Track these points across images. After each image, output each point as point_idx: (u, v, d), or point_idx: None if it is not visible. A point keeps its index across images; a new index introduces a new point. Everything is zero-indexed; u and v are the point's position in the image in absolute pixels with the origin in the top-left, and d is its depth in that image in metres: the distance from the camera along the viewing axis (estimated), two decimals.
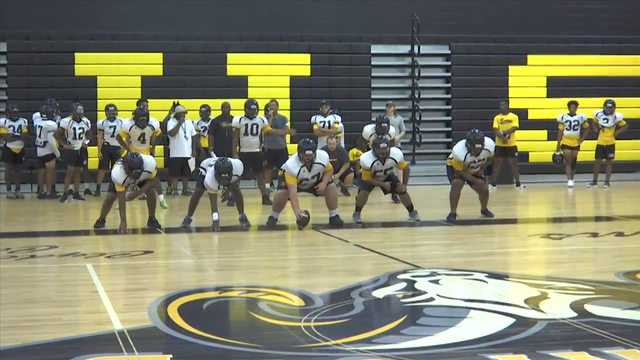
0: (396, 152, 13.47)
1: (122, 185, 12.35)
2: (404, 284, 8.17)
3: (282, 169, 13.05)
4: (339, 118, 19.13)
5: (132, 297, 7.92)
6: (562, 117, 20.27)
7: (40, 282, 8.94)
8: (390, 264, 9.46)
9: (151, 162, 12.61)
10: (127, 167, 12.17)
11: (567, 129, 20.20)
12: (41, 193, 18.67)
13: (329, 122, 18.72)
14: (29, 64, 21.74)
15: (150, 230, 12.67)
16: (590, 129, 20.16)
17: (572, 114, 20.22)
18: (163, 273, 9.61)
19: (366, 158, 13.38)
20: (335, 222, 12.93)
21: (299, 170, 12.69)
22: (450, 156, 13.64)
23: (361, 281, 8.33)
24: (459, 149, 13.26)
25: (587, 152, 20.40)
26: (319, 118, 18.78)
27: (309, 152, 12.63)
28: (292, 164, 12.76)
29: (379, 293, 7.78)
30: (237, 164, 12.73)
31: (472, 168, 13.36)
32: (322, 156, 12.92)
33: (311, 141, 13.04)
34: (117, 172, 12.33)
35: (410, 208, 13.53)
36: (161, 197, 15.45)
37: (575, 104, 20.32)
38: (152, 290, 8.22)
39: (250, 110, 16.34)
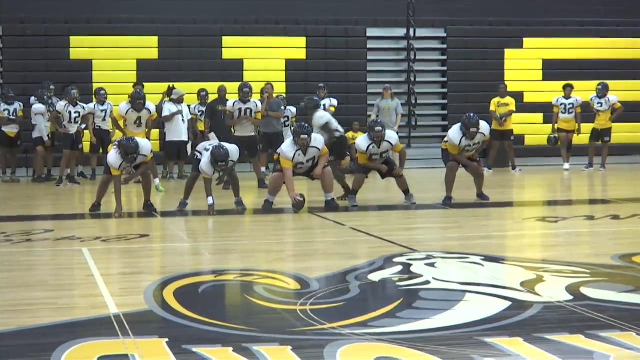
0: (392, 135, 13.47)
1: (118, 170, 12.33)
2: (400, 267, 8.17)
3: (277, 153, 13.03)
4: (335, 102, 19.11)
5: (128, 280, 7.91)
6: (558, 100, 20.28)
7: (35, 266, 8.93)
8: (386, 247, 9.46)
9: (147, 145, 12.58)
10: (123, 152, 12.14)
11: (562, 112, 20.20)
12: (35, 177, 18.66)
13: (324, 105, 18.70)
14: (24, 47, 21.70)
15: (146, 214, 12.65)
16: (582, 112, 20.17)
17: (567, 97, 20.22)
18: (159, 257, 9.60)
19: (362, 141, 13.36)
20: (331, 206, 12.92)
21: (294, 154, 12.67)
22: (446, 139, 13.63)
23: (357, 264, 8.33)
24: (454, 132, 13.24)
25: (583, 135, 20.40)
26: None
27: (304, 136, 12.60)
28: (287, 148, 12.74)
29: (375, 276, 7.77)
30: (233, 150, 12.69)
31: (468, 152, 13.35)
32: (317, 140, 12.89)
33: (307, 125, 13.02)
34: (113, 156, 12.29)
35: (406, 192, 13.53)
36: (157, 180, 15.45)
37: (571, 87, 20.32)
38: (148, 274, 8.21)
39: (244, 93, 16.31)
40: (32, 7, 21.83)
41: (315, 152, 12.80)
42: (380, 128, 13.17)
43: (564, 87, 20.37)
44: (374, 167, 13.50)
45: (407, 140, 22.11)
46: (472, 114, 13.27)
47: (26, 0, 21.85)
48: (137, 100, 15.83)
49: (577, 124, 20.21)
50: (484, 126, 13.30)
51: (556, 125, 20.26)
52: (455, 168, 13.48)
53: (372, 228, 11.08)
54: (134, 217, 12.60)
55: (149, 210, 12.77)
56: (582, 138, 20.38)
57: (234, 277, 7.93)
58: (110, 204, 12.66)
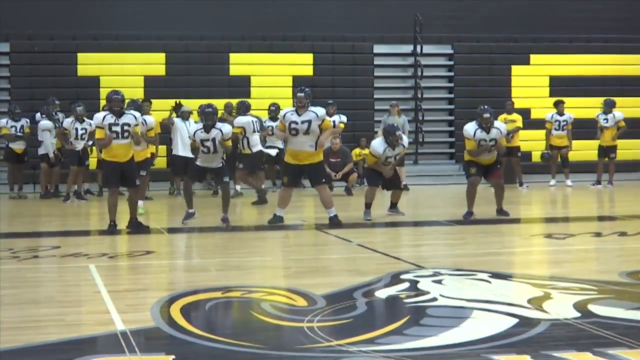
0: (405, 139, 14.02)
1: (102, 127, 12.27)
2: (407, 284, 8.15)
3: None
4: (344, 118, 19.14)
5: (135, 297, 7.90)
6: (552, 117, 20.27)
7: (42, 282, 8.93)
8: (393, 264, 9.45)
9: (149, 118, 13.00)
10: (108, 107, 12.34)
11: (555, 129, 20.19)
12: (42, 193, 18.66)
13: (334, 122, 18.69)
14: (31, 64, 21.76)
15: (152, 230, 12.64)
16: (587, 129, 20.18)
17: (560, 113, 20.22)
18: (165, 273, 9.58)
19: (378, 145, 13.49)
20: (334, 222, 12.91)
21: (286, 113, 12.93)
22: (468, 148, 13.60)
23: (364, 281, 8.31)
24: (469, 125, 13.41)
25: (583, 151, 20.39)
26: None
27: (300, 94, 12.87)
28: (284, 111, 13.09)
29: (382, 293, 7.76)
30: (227, 127, 13.07)
31: (485, 150, 13.32)
32: (319, 108, 13.06)
33: (305, 88, 13.17)
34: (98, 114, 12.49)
35: (395, 204, 13.72)
36: (140, 202, 14.53)
37: (562, 102, 20.32)
38: (154, 291, 8.20)
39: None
40: (39, 23, 21.92)
41: (313, 117, 12.83)
42: (400, 132, 13.57)
43: (556, 104, 20.38)
44: (383, 170, 13.55)
45: (414, 156, 22.11)
46: (485, 105, 13.52)
47: (34, 17, 21.95)
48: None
49: (569, 140, 20.23)
50: (499, 123, 13.47)
51: (549, 142, 20.27)
52: (476, 182, 13.52)
53: (379, 244, 11.07)
54: (141, 234, 12.54)
55: (135, 228, 12.53)
56: (581, 154, 20.34)
57: (241, 294, 7.92)
58: (124, 221, 12.66)
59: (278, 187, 17.87)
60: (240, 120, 16.63)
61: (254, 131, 16.60)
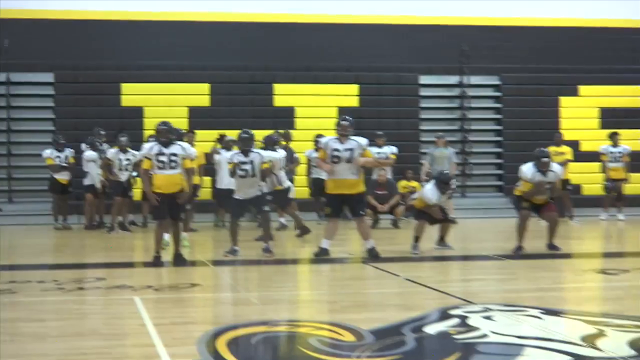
0: (454, 182, 13.93)
1: (149, 158, 12.41)
2: (456, 320, 8.09)
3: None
4: (394, 149, 19.10)
5: (180, 330, 7.90)
6: (606, 149, 20.11)
7: (88, 314, 8.98)
8: (442, 299, 9.39)
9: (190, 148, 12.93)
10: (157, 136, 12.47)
11: (610, 161, 20.02)
12: (87, 225, 18.76)
13: (384, 154, 18.71)
14: (76, 94, 21.99)
15: (197, 262, 12.67)
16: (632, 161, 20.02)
17: (615, 145, 20.05)
18: (211, 306, 9.60)
19: (430, 193, 13.52)
20: (372, 254, 12.88)
21: (329, 141, 12.96)
22: (517, 183, 13.57)
23: (412, 316, 8.26)
24: (526, 167, 13.37)
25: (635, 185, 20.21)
26: (374, 149, 18.72)
27: (343, 122, 12.98)
28: (326, 139, 13.13)
29: (431, 329, 7.72)
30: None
31: (541, 192, 13.29)
32: (361, 138, 13.10)
33: (348, 117, 13.33)
34: (146, 145, 12.61)
35: (443, 238, 13.77)
36: (185, 234, 14.54)
37: (617, 134, 20.15)
38: (200, 324, 8.22)
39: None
40: (84, 54, 22.19)
41: (355, 145, 12.91)
42: (454, 180, 13.53)
43: (610, 136, 20.22)
44: (432, 212, 13.53)
45: (461, 189, 22.03)
46: (543, 148, 13.50)
47: (78, 48, 22.23)
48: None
49: (626, 173, 20.03)
50: (555, 166, 13.42)
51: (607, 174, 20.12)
52: (527, 216, 13.46)
53: (427, 279, 11.00)
54: (185, 266, 12.55)
55: (179, 262, 12.54)
56: (633, 187, 20.14)
57: (287, 328, 7.91)
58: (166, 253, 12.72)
59: (322, 218, 17.88)
60: (271, 155, 16.45)
61: (281, 168, 16.44)
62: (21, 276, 10.59)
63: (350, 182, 12.88)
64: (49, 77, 22.21)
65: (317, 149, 18.36)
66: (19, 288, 10.18)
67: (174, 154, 12.42)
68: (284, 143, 18.10)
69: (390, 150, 19.05)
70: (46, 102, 22.20)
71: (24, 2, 22.16)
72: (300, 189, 19.04)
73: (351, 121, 13.07)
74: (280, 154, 16.34)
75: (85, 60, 22.20)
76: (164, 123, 12.67)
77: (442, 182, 13.53)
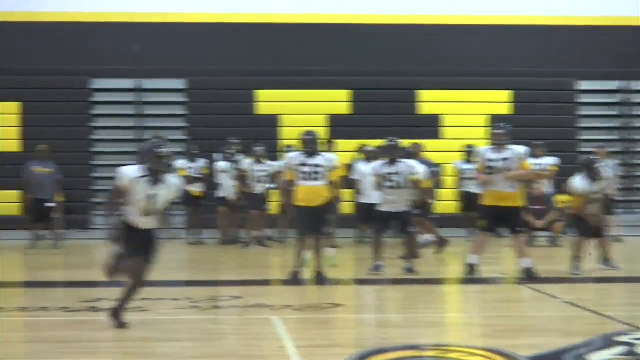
0: (609, 171, 13.84)
1: (292, 168, 12.61)
2: (622, 348, 7.96)
3: None
4: (556, 160, 18.74)
5: (323, 354, 7.98)
6: None
7: (225, 335, 9.14)
8: (606, 324, 9.26)
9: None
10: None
11: None
12: (221, 239, 18.98)
13: (542, 165, 18.39)
14: (208, 101, 22.32)
15: (339, 281, 12.73)
16: None
17: None
18: (354, 328, 9.66)
19: (579, 182, 13.33)
20: (529, 274, 12.74)
21: (485, 152, 13.00)
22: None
23: (574, 343, 8.16)
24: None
25: None
26: (531, 160, 18.42)
27: (498, 131, 12.99)
28: (483, 149, 13.18)
29: (595, 357, 7.61)
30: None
31: None
32: (519, 147, 13.08)
33: (503, 125, 13.31)
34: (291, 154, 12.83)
35: (608, 258, 13.58)
36: (332, 251, 14.67)
37: None
38: (343, 347, 8.27)
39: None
40: (216, 60, 22.50)
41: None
42: (599, 164, 13.66)
43: None
44: (590, 217, 13.27)
45: (626, 204, 21.57)
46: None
47: (211, 54, 22.55)
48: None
49: None
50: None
51: None
52: None
53: (589, 302, 10.84)
54: (327, 285, 12.56)
55: (320, 280, 12.56)
56: None
57: (437, 353, 7.89)
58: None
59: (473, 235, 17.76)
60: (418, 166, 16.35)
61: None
62: (153, 293, 10.84)
63: (507, 194, 12.79)
64: (180, 83, 22.59)
65: (468, 160, 18.30)
66: (151, 306, 10.36)
67: (318, 165, 12.56)
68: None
69: (550, 161, 18.73)
70: (177, 110, 22.59)
71: (155, 4, 22.60)
72: (446, 204, 19.01)
73: (507, 129, 12.97)
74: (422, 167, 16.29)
75: (217, 66, 22.49)
76: (309, 133, 12.84)
77: (588, 168, 13.26)
